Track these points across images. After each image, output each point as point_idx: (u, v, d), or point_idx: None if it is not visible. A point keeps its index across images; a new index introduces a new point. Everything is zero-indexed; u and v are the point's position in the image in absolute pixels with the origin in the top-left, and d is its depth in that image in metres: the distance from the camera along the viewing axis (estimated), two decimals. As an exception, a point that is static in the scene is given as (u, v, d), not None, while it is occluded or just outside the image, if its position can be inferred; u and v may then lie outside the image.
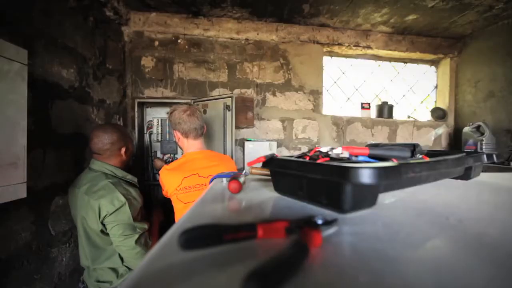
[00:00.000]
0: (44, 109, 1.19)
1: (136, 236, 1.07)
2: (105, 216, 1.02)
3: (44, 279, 1.17)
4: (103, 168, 1.14)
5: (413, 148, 0.48)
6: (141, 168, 2.04)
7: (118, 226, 1.04)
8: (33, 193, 1.06)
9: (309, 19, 2.22)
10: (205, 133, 1.32)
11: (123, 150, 1.20)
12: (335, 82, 2.59)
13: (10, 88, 0.94)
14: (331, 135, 2.41)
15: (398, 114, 2.62)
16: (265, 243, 0.24)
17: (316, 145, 2.38)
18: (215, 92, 2.21)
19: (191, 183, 1.13)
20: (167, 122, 1.97)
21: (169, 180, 1.13)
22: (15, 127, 0.97)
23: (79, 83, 1.47)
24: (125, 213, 1.05)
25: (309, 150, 0.45)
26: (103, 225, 1.05)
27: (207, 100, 1.91)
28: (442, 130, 2.52)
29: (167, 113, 1.31)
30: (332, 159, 0.40)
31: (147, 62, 2.16)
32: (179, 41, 2.19)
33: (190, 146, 1.23)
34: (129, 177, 1.22)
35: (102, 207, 1.02)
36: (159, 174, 1.19)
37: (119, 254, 1.11)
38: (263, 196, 0.46)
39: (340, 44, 2.40)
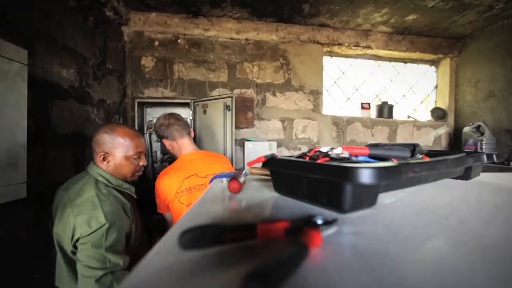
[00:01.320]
0: (44, 109, 1.19)
1: (101, 273, 0.79)
2: (79, 238, 0.83)
3: (44, 279, 1.17)
4: (96, 173, 0.95)
5: (413, 148, 0.47)
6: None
7: (86, 251, 0.81)
8: (33, 193, 1.06)
9: (309, 19, 2.22)
10: (194, 137, 1.30)
11: (100, 156, 0.94)
12: (335, 82, 2.59)
13: (10, 88, 0.95)
14: (331, 135, 2.41)
15: (398, 114, 2.62)
16: (265, 243, 0.24)
17: (316, 145, 2.38)
18: (215, 92, 2.21)
19: (192, 184, 1.13)
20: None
21: (169, 184, 1.11)
22: (15, 127, 0.97)
23: (79, 83, 1.47)
24: (100, 237, 0.83)
25: (309, 150, 0.45)
26: (75, 247, 0.84)
27: (207, 100, 1.91)
28: (442, 130, 2.52)
29: (153, 130, 1.29)
30: (332, 159, 0.40)
31: (147, 62, 2.16)
32: (179, 41, 2.19)
33: (182, 147, 1.23)
34: (126, 186, 1.01)
35: (77, 227, 0.83)
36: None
37: None
38: (263, 196, 0.46)
39: (340, 44, 2.40)
